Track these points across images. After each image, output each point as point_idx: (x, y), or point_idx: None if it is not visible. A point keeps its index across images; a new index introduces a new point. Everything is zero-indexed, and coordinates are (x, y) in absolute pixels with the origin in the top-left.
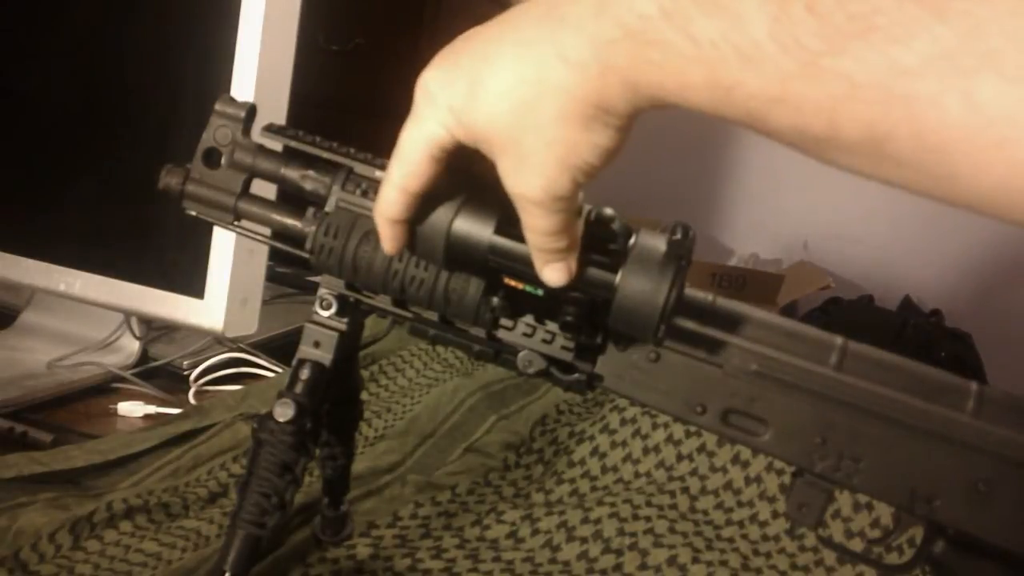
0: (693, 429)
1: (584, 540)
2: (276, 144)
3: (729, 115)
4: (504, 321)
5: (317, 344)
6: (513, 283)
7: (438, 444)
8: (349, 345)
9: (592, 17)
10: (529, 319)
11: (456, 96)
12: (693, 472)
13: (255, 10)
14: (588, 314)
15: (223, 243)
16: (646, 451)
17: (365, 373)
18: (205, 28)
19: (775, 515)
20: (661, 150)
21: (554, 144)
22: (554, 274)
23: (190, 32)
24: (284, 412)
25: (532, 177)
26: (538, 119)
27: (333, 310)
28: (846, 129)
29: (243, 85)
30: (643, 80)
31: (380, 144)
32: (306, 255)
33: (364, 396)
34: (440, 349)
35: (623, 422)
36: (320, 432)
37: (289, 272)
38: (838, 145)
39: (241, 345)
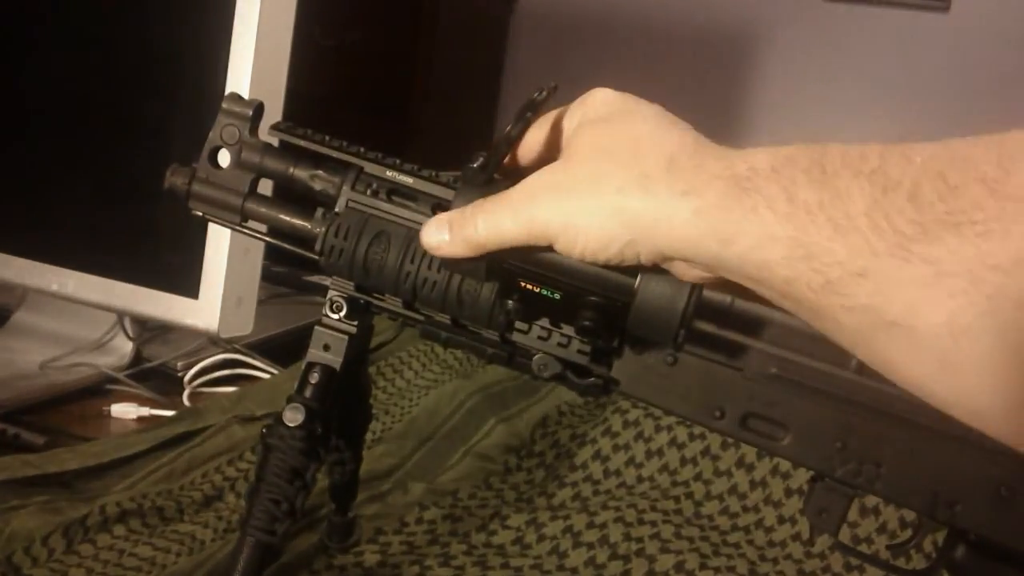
0: (697, 432)
1: (591, 546)
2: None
3: (801, 277)
4: (519, 324)
5: (327, 347)
6: (529, 286)
7: (437, 447)
8: (359, 348)
9: (711, 155)
10: (544, 322)
11: None
12: (697, 477)
13: (250, 6)
14: (606, 318)
15: (218, 242)
16: (649, 455)
17: None
18: (200, 24)
19: (781, 520)
20: None
21: (583, 197)
22: (433, 237)
23: (184, 28)
24: (294, 417)
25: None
26: (609, 172)
27: (343, 313)
28: (925, 315)
29: (238, 81)
30: (723, 227)
31: (378, 141)
32: (315, 256)
33: None
34: (439, 350)
35: (625, 424)
36: (330, 437)
37: (285, 271)
38: (908, 333)
39: (236, 346)
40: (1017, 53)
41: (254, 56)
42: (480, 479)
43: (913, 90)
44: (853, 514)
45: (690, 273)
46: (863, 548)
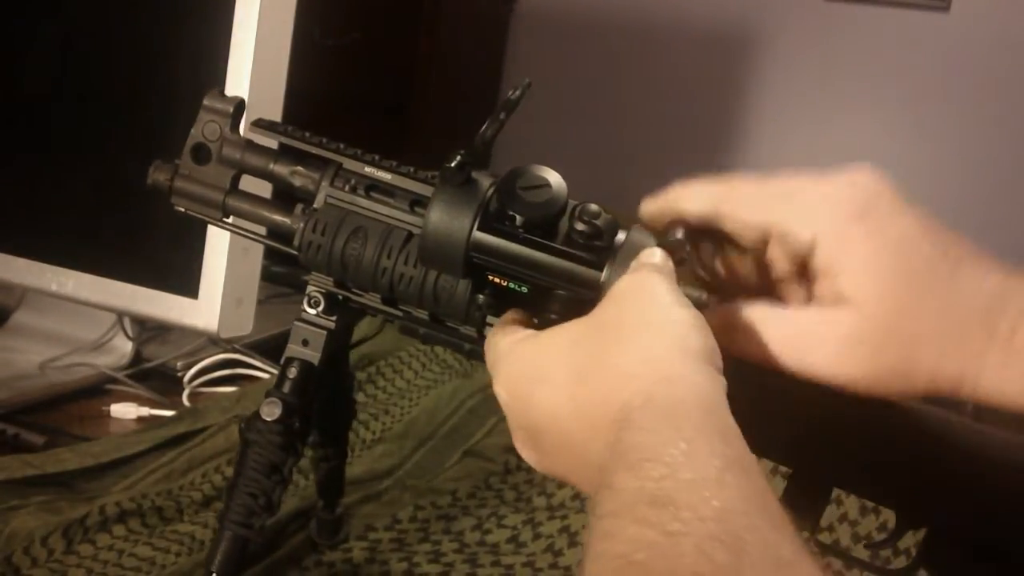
0: None
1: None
2: (272, 141)
3: None
4: (491, 319)
5: (305, 343)
6: (498, 280)
7: (436, 447)
8: (338, 343)
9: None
10: None
11: None
12: None
13: (250, 6)
14: (573, 312)
15: (217, 242)
16: None
17: (362, 375)
18: (199, 23)
19: None
20: (663, 150)
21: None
22: None
23: (184, 27)
24: (271, 411)
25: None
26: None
27: (321, 307)
28: None
29: (238, 81)
30: None
31: (378, 140)
32: (295, 252)
33: (361, 398)
34: (439, 350)
35: None
36: (309, 432)
37: (285, 271)
38: None
39: (236, 346)
40: (1017, 53)
41: (254, 56)
42: (480, 479)
43: (913, 90)
44: (853, 513)
45: None
46: (863, 547)
